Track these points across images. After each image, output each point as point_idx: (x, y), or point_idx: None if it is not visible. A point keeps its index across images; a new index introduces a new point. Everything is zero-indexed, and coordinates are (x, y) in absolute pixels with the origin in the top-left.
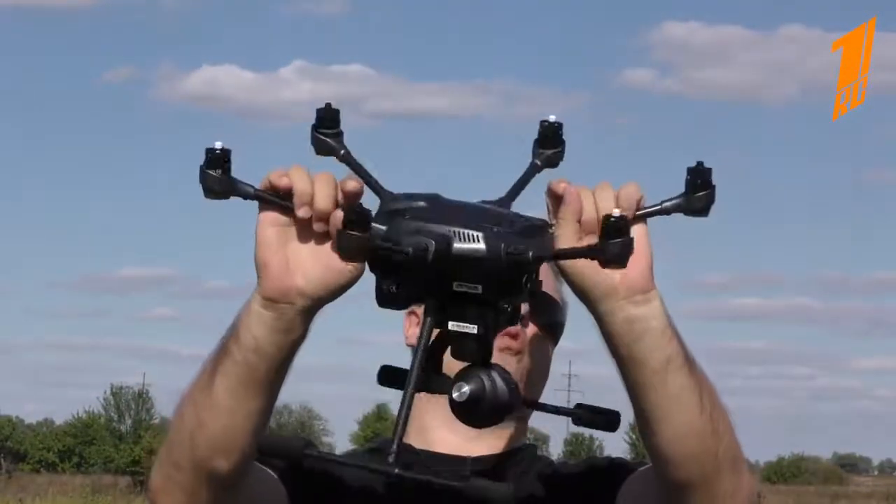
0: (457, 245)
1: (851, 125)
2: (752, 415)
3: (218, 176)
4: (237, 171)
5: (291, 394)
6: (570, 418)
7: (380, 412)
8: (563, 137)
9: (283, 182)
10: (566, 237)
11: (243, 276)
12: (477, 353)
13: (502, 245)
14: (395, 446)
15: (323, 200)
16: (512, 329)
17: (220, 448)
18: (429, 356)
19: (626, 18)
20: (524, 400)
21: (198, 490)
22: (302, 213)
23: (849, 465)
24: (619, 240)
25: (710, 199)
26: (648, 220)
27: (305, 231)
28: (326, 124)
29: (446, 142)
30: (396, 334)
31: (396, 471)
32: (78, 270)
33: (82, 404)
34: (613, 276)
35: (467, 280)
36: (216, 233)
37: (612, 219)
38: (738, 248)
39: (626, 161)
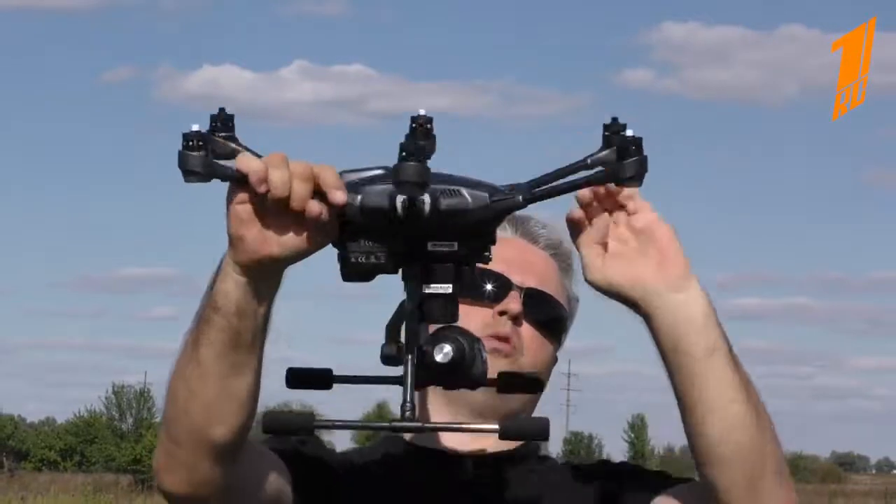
0: (444, 201)
1: (851, 126)
2: None
3: (196, 156)
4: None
5: (292, 394)
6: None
7: (380, 411)
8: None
9: (247, 167)
10: (591, 258)
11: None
12: (450, 314)
13: (487, 195)
14: (409, 401)
15: (297, 199)
16: (502, 331)
17: (215, 415)
18: (392, 326)
19: (626, 19)
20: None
21: (198, 463)
22: (262, 189)
23: (847, 464)
24: (634, 159)
25: (642, 166)
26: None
27: (275, 202)
28: (195, 149)
29: (446, 142)
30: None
31: (420, 423)
32: (79, 270)
33: (84, 403)
34: (652, 277)
35: (443, 238)
36: (215, 232)
37: (627, 137)
38: (738, 247)
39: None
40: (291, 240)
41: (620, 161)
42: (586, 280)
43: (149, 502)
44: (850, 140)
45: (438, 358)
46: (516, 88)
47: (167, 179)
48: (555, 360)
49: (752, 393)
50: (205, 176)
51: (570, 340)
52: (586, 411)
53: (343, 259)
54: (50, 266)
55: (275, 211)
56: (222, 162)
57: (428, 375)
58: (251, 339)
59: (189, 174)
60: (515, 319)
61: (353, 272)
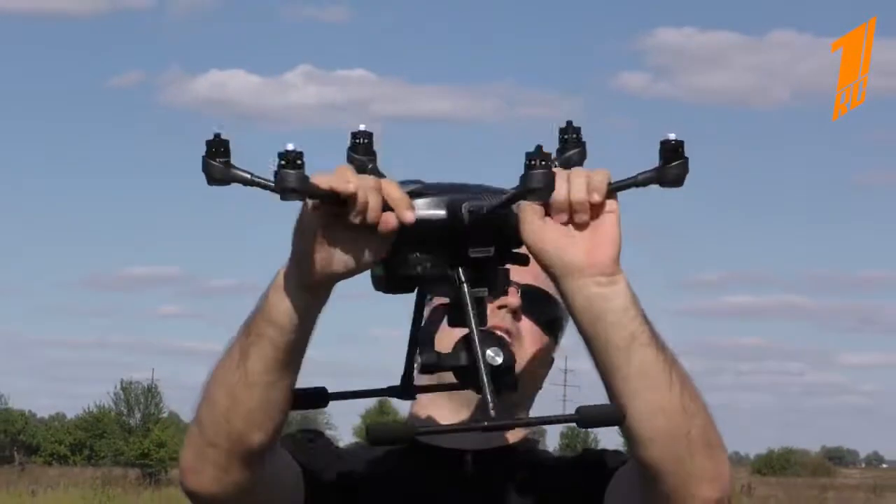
0: (418, 211)
1: (842, 128)
2: (743, 409)
3: (218, 164)
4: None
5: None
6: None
7: (381, 406)
8: (685, 154)
9: (349, 189)
10: (528, 214)
11: (247, 275)
12: (485, 316)
13: (463, 206)
14: (492, 401)
15: (373, 209)
16: (502, 324)
17: (256, 422)
18: (426, 335)
19: (622, 24)
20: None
21: (232, 465)
22: (358, 220)
23: (837, 458)
24: (676, 162)
25: (683, 170)
26: (644, 217)
27: (342, 222)
28: (217, 155)
29: (447, 144)
30: (395, 330)
31: (511, 421)
32: (87, 270)
33: (93, 399)
34: (579, 255)
35: (481, 244)
36: (221, 233)
37: (671, 142)
38: (731, 247)
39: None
40: (352, 257)
41: (665, 165)
42: (520, 237)
43: (156, 495)
44: (841, 142)
45: (497, 361)
46: (515, 92)
47: (174, 181)
48: (551, 359)
49: (674, 375)
50: (224, 181)
51: (567, 338)
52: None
53: (388, 270)
54: (60, 265)
55: (340, 228)
56: (243, 170)
57: (471, 378)
58: (299, 353)
59: (211, 179)
60: (514, 313)
61: (401, 283)
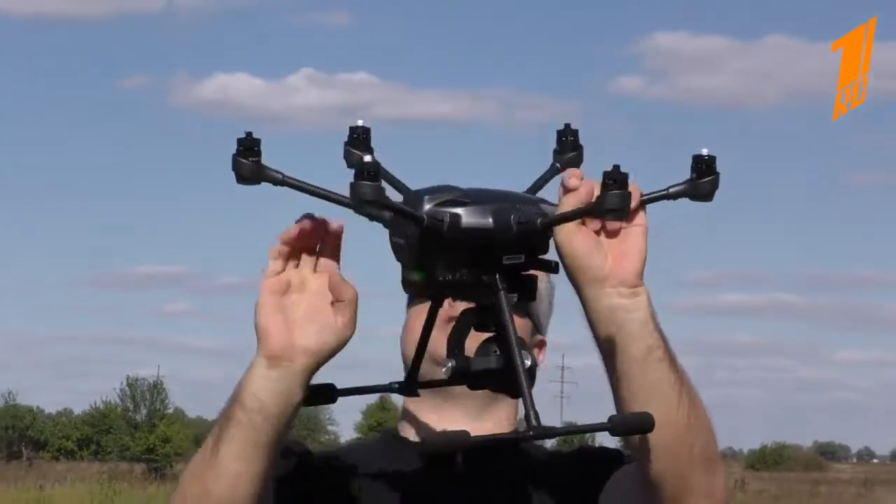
0: (466, 220)
1: (833, 131)
2: (737, 405)
3: (249, 162)
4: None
5: None
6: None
7: (383, 403)
8: (717, 170)
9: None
10: (566, 227)
11: (253, 273)
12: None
13: (511, 217)
14: (533, 408)
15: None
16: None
17: None
18: (456, 340)
19: (619, 29)
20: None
21: None
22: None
23: (828, 453)
24: (709, 178)
25: (714, 185)
26: (649, 224)
27: (302, 297)
28: (247, 154)
29: (447, 146)
30: (397, 328)
31: (548, 427)
32: (96, 268)
33: (100, 395)
34: (606, 264)
35: (514, 251)
36: (228, 232)
37: (704, 157)
38: (725, 247)
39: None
40: (314, 331)
41: (697, 179)
42: (555, 240)
43: (161, 490)
44: (832, 144)
45: (527, 364)
46: (514, 95)
47: (182, 181)
48: (543, 342)
49: (683, 392)
50: (254, 180)
51: (565, 336)
52: (579, 402)
53: (427, 276)
54: (68, 264)
55: (300, 303)
56: (274, 170)
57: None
58: (269, 440)
59: (240, 178)
60: None
61: (439, 288)
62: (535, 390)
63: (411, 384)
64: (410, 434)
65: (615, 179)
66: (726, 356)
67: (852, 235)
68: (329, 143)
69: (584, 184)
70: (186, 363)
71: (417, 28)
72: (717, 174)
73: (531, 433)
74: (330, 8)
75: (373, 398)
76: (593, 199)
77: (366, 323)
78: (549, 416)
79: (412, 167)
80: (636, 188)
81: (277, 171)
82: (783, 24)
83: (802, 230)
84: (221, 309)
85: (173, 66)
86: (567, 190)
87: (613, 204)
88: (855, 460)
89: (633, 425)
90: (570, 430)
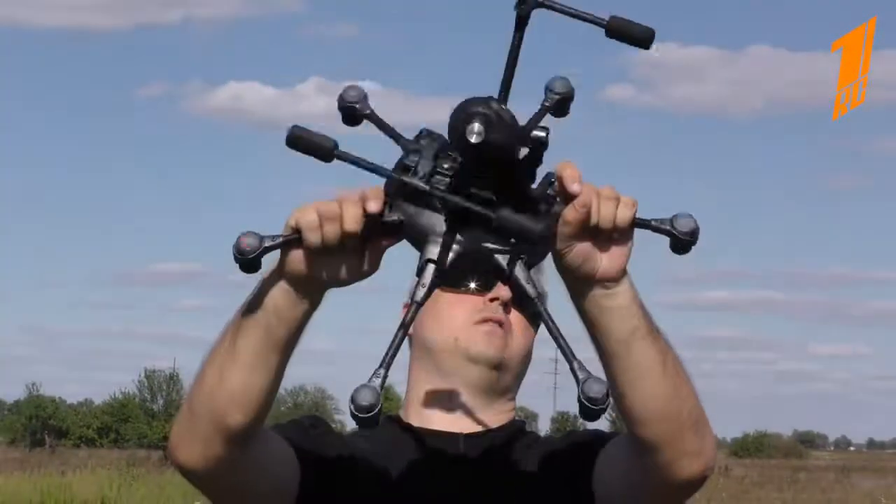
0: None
1: (813, 136)
2: (721, 395)
3: (251, 271)
4: (258, 182)
5: (307, 376)
6: None
7: (386, 393)
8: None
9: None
10: (565, 236)
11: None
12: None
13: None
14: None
15: (351, 224)
16: (495, 315)
17: (237, 402)
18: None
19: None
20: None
21: (213, 441)
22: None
23: (807, 441)
24: (689, 245)
25: (691, 247)
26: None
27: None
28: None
29: None
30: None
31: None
32: (116, 266)
33: (119, 386)
34: (595, 266)
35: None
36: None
37: (687, 235)
38: (709, 246)
39: (611, 168)
40: (339, 268)
41: (678, 236)
42: (553, 248)
43: (176, 475)
44: (812, 149)
45: (472, 140)
46: (510, 102)
47: (197, 184)
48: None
49: (668, 363)
50: (259, 267)
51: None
52: (572, 393)
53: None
54: (90, 262)
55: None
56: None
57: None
58: (284, 342)
59: (245, 269)
60: (505, 306)
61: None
62: (528, 380)
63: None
64: (413, 419)
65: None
66: (711, 350)
67: (830, 236)
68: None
69: (584, 203)
70: (201, 356)
71: (420, 39)
72: (696, 240)
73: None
74: (338, 21)
75: None
76: (596, 216)
77: (365, 322)
78: (543, 407)
79: None
80: (632, 207)
81: (276, 242)
82: (767, 34)
83: (783, 231)
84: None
85: (189, 74)
86: (566, 192)
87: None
88: (833, 448)
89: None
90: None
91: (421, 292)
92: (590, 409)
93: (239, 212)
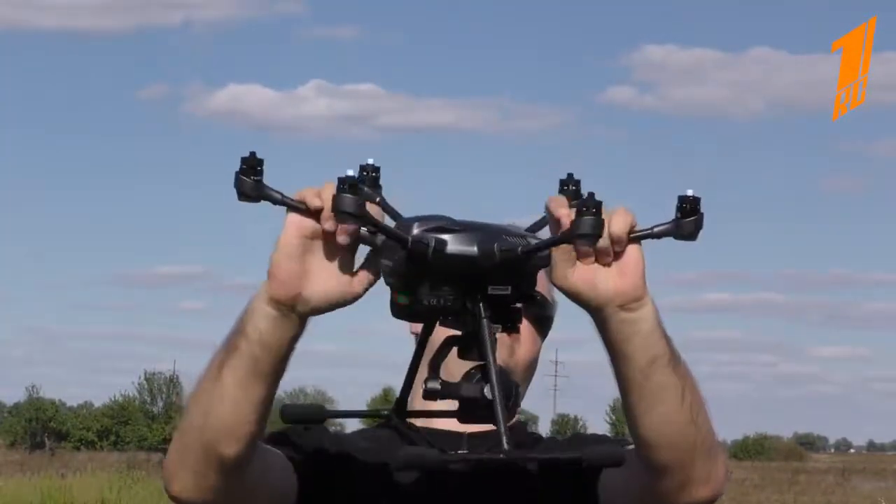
0: (451, 246)
1: (813, 139)
2: (721, 398)
3: (250, 181)
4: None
5: (307, 378)
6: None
7: (386, 395)
8: (701, 210)
9: (315, 204)
10: (561, 258)
11: (264, 274)
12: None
13: (495, 245)
14: (504, 433)
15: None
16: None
17: (226, 434)
18: (435, 363)
19: (610, 41)
20: None
21: (206, 472)
22: (328, 225)
23: (808, 444)
24: (692, 218)
25: (698, 225)
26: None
27: (325, 247)
28: (250, 172)
29: (449, 153)
30: (400, 325)
31: (507, 449)
32: (117, 268)
33: (119, 388)
34: (609, 288)
35: (500, 282)
36: (240, 235)
37: (688, 198)
38: (710, 248)
39: (611, 170)
40: (325, 286)
41: (681, 219)
42: (551, 280)
43: None
44: (812, 151)
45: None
46: (512, 105)
47: (197, 186)
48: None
49: (686, 392)
50: (255, 198)
51: (558, 331)
52: (572, 395)
53: (412, 300)
54: (91, 265)
55: (321, 253)
56: (274, 190)
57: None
58: (270, 371)
59: (241, 195)
60: None
61: (423, 313)
62: (531, 384)
63: (401, 411)
64: (416, 421)
65: (588, 206)
66: (711, 352)
67: (831, 238)
68: (336, 150)
69: (570, 214)
70: (201, 358)
71: (421, 42)
72: (700, 214)
73: (503, 456)
74: (339, 23)
75: (376, 392)
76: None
77: (366, 325)
78: (543, 409)
79: (416, 171)
80: (628, 221)
81: (277, 191)
82: (767, 36)
83: (783, 233)
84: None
85: (189, 76)
86: (554, 219)
87: (586, 229)
88: (833, 451)
89: (604, 459)
90: (544, 459)
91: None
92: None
93: (239, 214)
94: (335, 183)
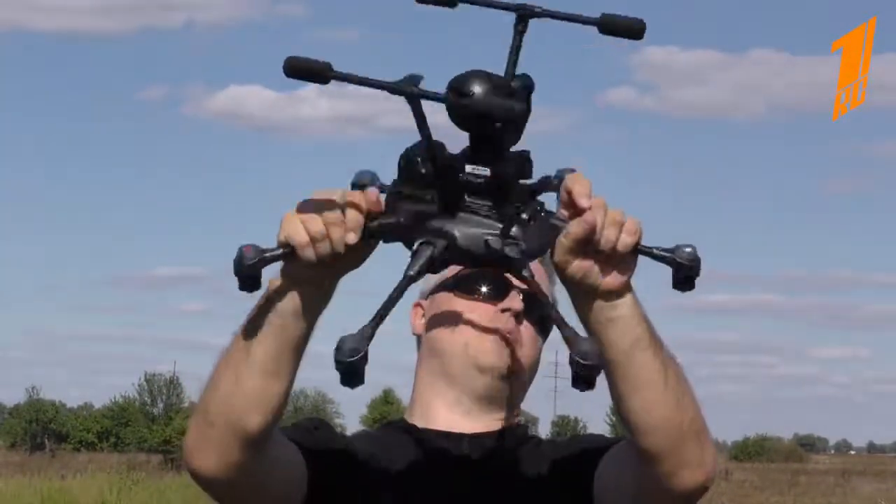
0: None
1: (814, 140)
2: (722, 399)
3: (251, 286)
4: (259, 185)
5: (307, 379)
6: None
7: (386, 396)
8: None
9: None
10: (565, 249)
11: (266, 274)
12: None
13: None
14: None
15: (340, 247)
16: (506, 326)
17: (255, 406)
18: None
19: (612, 43)
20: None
21: (230, 446)
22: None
23: (808, 445)
24: (689, 278)
25: (694, 276)
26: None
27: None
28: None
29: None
30: (401, 326)
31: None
32: (117, 269)
33: (119, 390)
34: (598, 279)
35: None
36: (241, 236)
37: (684, 264)
38: (710, 249)
39: (611, 171)
40: (343, 261)
41: (678, 271)
42: (552, 258)
43: (177, 480)
44: (812, 152)
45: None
46: None
47: (198, 187)
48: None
49: (670, 374)
50: (258, 285)
51: (556, 332)
52: (572, 397)
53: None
54: (91, 266)
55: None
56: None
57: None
58: (300, 341)
59: (245, 283)
60: (517, 316)
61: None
62: (531, 385)
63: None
64: (417, 420)
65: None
66: (712, 353)
67: (831, 239)
68: (336, 152)
69: (591, 220)
70: (201, 359)
71: (422, 43)
72: (697, 275)
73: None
74: (340, 25)
75: (377, 391)
76: (596, 237)
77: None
78: (543, 411)
79: None
80: (636, 231)
81: (271, 254)
82: (769, 38)
83: (785, 234)
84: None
85: (190, 77)
86: (573, 208)
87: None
88: (833, 452)
89: (623, 25)
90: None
91: (415, 266)
92: (582, 365)
93: (239, 215)
94: (305, 216)
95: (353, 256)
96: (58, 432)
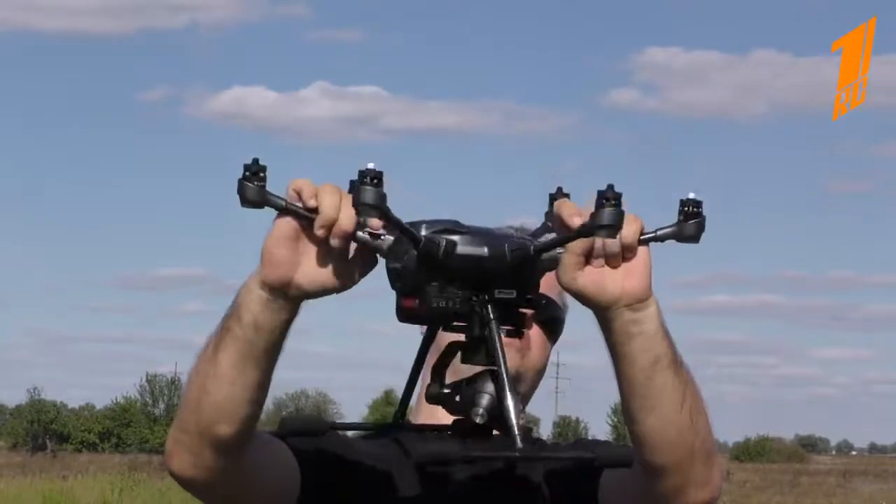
0: (461, 247)
1: (816, 140)
2: (723, 399)
3: (254, 187)
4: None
5: (309, 380)
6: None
7: (387, 397)
8: (703, 213)
9: (311, 203)
10: (570, 261)
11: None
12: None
13: (505, 245)
14: (518, 434)
15: (345, 221)
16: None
17: (222, 414)
18: (439, 368)
19: (614, 44)
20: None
21: (202, 452)
22: (320, 234)
23: (809, 446)
24: (694, 221)
25: (700, 227)
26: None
27: (323, 227)
28: (253, 179)
29: (453, 154)
30: (402, 327)
31: (522, 448)
32: (118, 270)
33: (120, 390)
34: (616, 289)
35: (506, 286)
36: (241, 237)
37: (691, 201)
38: (713, 251)
39: (613, 172)
40: (318, 274)
41: (683, 222)
42: (559, 281)
43: None
44: (813, 154)
45: (477, 420)
46: (516, 107)
47: (199, 189)
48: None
49: (687, 394)
50: (258, 205)
51: (565, 336)
52: (574, 398)
53: (422, 300)
54: (93, 268)
55: (315, 242)
56: (278, 196)
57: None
58: (264, 354)
59: (245, 201)
60: (526, 320)
61: (431, 316)
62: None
63: (402, 419)
64: (421, 419)
65: (609, 198)
66: (713, 354)
67: (832, 239)
68: (339, 152)
69: (581, 214)
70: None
71: (425, 44)
72: (703, 217)
73: (517, 454)
74: (342, 25)
75: (378, 393)
76: (601, 241)
77: (366, 327)
78: (545, 412)
79: (419, 173)
80: (637, 226)
81: (281, 197)
82: (771, 39)
83: (786, 235)
84: None
85: (193, 78)
86: (563, 224)
87: (608, 220)
88: (834, 452)
89: (616, 460)
90: (555, 456)
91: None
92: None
93: (241, 217)
94: (334, 185)
95: (337, 266)
96: (59, 433)
